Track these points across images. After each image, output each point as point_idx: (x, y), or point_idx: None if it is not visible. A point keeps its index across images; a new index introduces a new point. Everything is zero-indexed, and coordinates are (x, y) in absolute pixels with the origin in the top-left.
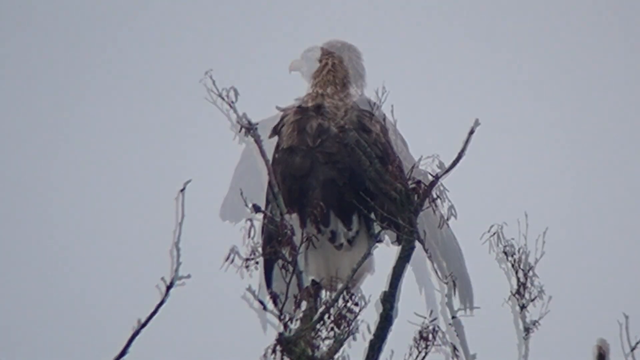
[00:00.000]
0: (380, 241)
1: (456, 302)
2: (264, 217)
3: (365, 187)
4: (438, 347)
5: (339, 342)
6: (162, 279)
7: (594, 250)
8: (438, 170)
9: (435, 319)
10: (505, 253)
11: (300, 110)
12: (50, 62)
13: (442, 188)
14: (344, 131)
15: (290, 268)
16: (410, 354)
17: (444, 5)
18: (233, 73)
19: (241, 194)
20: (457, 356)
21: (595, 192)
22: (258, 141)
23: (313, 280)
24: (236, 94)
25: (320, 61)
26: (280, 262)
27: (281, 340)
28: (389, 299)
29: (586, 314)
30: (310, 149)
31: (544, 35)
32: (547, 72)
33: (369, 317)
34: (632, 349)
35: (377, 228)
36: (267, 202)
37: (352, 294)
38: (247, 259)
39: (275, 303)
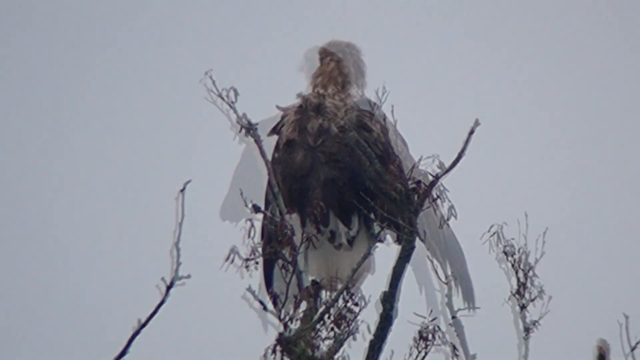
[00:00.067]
0: (380, 241)
1: (456, 302)
2: (264, 217)
3: (366, 187)
4: (438, 347)
5: (339, 342)
6: (162, 279)
7: (594, 250)
8: (438, 170)
9: (435, 319)
10: (505, 253)
11: (301, 110)
12: (49, 62)
13: (442, 188)
14: (344, 131)
15: (290, 268)
16: (410, 354)
17: (444, 5)
18: (233, 73)
19: (241, 194)
20: (457, 356)
21: (595, 192)
22: (258, 141)
23: (313, 280)
24: (236, 94)
25: (321, 61)
26: (280, 262)
27: (281, 340)
28: (389, 299)
29: (586, 314)
30: (311, 148)
31: (544, 35)
32: (547, 72)
33: (369, 317)
34: (632, 349)
35: (377, 228)
36: (267, 202)
37: (352, 294)
38: (247, 259)
39: (275, 303)
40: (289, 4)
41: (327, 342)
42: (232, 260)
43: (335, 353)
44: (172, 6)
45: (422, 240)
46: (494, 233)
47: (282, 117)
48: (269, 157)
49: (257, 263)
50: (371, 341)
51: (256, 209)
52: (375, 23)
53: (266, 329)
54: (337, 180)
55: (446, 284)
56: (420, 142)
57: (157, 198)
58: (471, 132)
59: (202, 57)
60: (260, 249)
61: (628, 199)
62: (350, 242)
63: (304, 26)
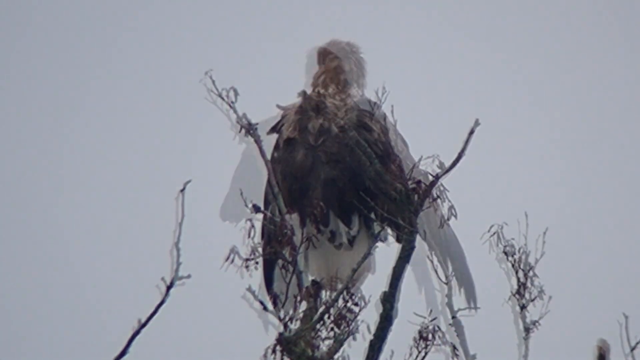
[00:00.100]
0: (381, 240)
1: (457, 302)
2: (264, 217)
3: (366, 187)
4: (438, 347)
5: (339, 342)
6: (162, 279)
7: (594, 250)
8: (438, 170)
9: (435, 319)
10: (506, 253)
11: (302, 109)
12: (49, 62)
13: (442, 188)
14: (344, 131)
15: (290, 268)
16: (410, 354)
17: (444, 5)
18: (233, 73)
19: (241, 194)
20: (457, 356)
21: (596, 192)
22: (258, 141)
23: (313, 280)
24: (236, 94)
25: (321, 61)
26: (280, 262)
27: (281, 340)
28: (389, 299)
29: (586, 314)
30: (312, 147)
31: (544, 35)
32: (548, 72)
33: (369, 317)
34: (632, 349)
35: (377, 228)
36: (267, 202)
37: (352, 294)
38: (247, 259)
39: (275, 303)
40: (289, 4)
41: (327, 342)
42: (232, 260)
43: (335, 353)
44: (172, 6)
45: (423, 239)
46: (494, 233)
47: (282, 116)
48: (269, 157)
49: (257, 263)
50: (371, 341)
51: (256, 209)
52: (376, 23)
53: (267, 329)
54: (338, 180)
55: (446, 284)
56: (420, 142)
57: (157, 198)
58: (471, 132)
59: (202, 57)
60: (260, 249)
61: (628, 199)
62: (351, 241)
63: (304, 26)
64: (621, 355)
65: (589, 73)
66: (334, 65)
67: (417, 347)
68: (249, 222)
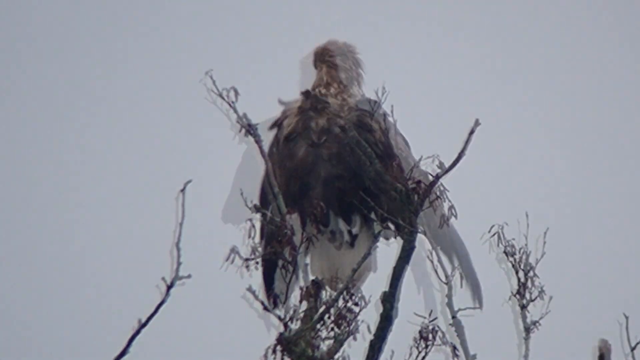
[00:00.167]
0: (386, 238)
1: (457, 302)
2: (264, 218)
3: (366, 187)
4: (438, 347)
5: (339, 342)
6: (163, 279)
7: (595, 251)
8: (438, 170)
9: (435, 319)
10: (506, 253)
11: (304, 109)
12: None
13: (442, 188)
14: (344, 131)
15: (291, 268)
16: (411, 354)
17: (444, 5)
18: (233, 73)
19: (241, 194)
20: (457, 356)
21: (596, 192)
22: (258, 141)
23: (313, 280)
24: (236, 94)
25: (321, 61)
26: (280, 262)
27: (281, 340)
28: (389, 299)
29: (586, 314)
30: (314, 145)
31: (545, 35)
32: (548, 72)
33: (369, 317)
34: (632, 349)
35: (377, 228)
36: (265, 201)
37: (352, 294)
38: (247, 259)
39: (275, 303)
40: (289, 4)
41: (327, 342)
42: (233, 260)
43: (335, 353)
44: (172, 6)
45: (426, 237)
46: (495, 233)
47: (284, 112)
48: (267, 152)
49: (257, 263)
50: (371, 341)
51: (257, 209)
52: (376, 23)
53: (269, 329)
54: (338, 179)
55: (446, 284)
56: (420, 142)
57: (157, 198)
58: (471, 132)
59: (202, 57)
60: (260, 249)
61: (628, 199)
62: (352, 241)
63: (304, 26)
64: (621, 355)
65: (589, 73)
66: (335, 64)
67: (417, 347)
68: (249, 222)
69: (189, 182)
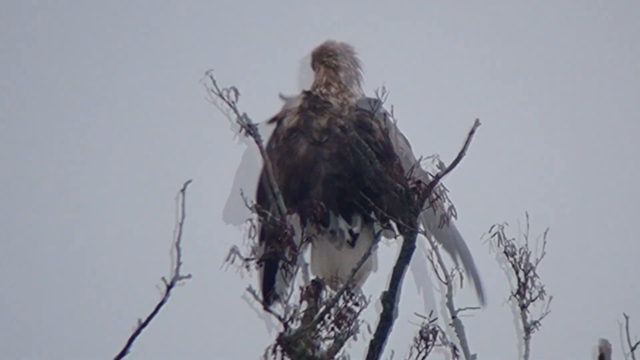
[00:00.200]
0: (388, 237)
1: (457, 302)
2: (264, 217)
3: (366, 186)
4: (438, 347)
5: (339, 342)
6: (163, 278)
7: (595, 251)
8: (438, 170)
9: (435, 319)
10: (506, 253)
11: (302, 109)
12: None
13: (442, 188)
14: (344, 131)
15: (291, 268)
16: (411, 354)
17: (444, 5)
18: (233, 73)
19: (241, 194)
20: (457, 356)
21: (596, 192)
22: (259, 142)
23: (313, 280)
24: (236, 94)
25: (319, 62)
26: (280, 262)
27: (281, 340)
28: (389, 299)
29: (586, 314)
30: (316, 143)
31: (545, 35)
32: (548, 72)
33: (369, 317)
34: (632, 349)
35: (377, 228)
36: (261, 198)
37: (353, 294)
38: (247, 259)
39: (271, 299)
40: (289, 4)
41: (327, 342)
42: (233, 260)
43: (335, 353)
44: (172, 6)
45: (426, 236)
46: (495, 233)
47: (284, 108)
48: (265, 148)
49: (258, 263)
50: (371, 341)
51: (258, 210)
52: (376, 23)
53: (270, 329)
54: (339, 178)
55: (446, 284)
56: (421, 142)
57: (157, 198)
58: (471, 132)
59: (202, 57)
60: (260, 249)
61: (628, 199)
62: (352, 241)
63: (304, 26)
64: (621, 355)
65: (589, 73)
66: (334, 64)
67: (417, 347)
68: (249, 222)
69: (189, 182)
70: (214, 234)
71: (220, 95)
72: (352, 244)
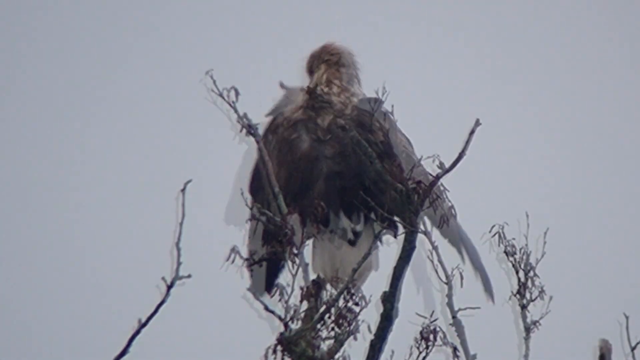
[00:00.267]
0: (389, 237)
1: (457, 302)
2: (264, 217)
3: (367, 186)
4: (439, 347)
5: (339, 342)
6: (163, 278)
7: (595, 251)
8: (438, 170)
9: (436, 320)
10: (506, 253)
11: (305, 106)
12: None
13: (442, 188)
14: (345, 130)
15: (293, 267)
16: (411, 354)
17: (444, 5)
18: (234, 73)
19: (242, 194)
20: (457, 357)
21: (596, 192)
22: (259, 142)
23: (313, 280)
24: (237, 93)
25: (318, 63)
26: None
27: (282, 340)
28: (389, 299)
29: (586, 314)
30: (319, 141)
31: (545, 35)
32: (548, 72)
33: (369, 317)
34: (633, 349)
35: (377, 228)
36: (255, 190)
37: (353, 294)
38: (247, 259)
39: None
40: (289, 4)
41: (327, 342)
42: (233, 260)
43: (335, 353)
44: (172, 6)
45: (426, 236)
46: (495, 233)
47: (286, 97)
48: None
49: (259, 265)
50: (372, 341)
51: (258, 209)
52: (376, 23)
53: (273, 329)
54: (340, 176)
55: (446, 283)
56: (421, 142)
57: (157, 198)
58: (472, 132)
59: (202, 57)
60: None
61: (628, 199)
62: (355, 239)
63: (305, 26)
64: (621, 355)
65: (589, 73)
66: (336, 61)
67: (417, 348)
68: (249, 223)
69: (189, 182)
70: (214, 234)
71: (221, 95)
72: (353, 242)
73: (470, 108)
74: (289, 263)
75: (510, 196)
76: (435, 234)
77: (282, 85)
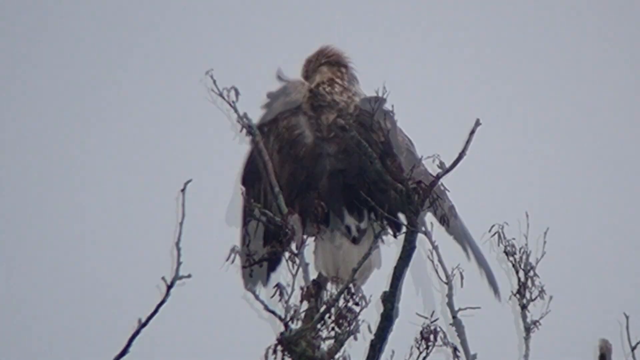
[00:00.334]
0: (395, 237)
1: (457, 302)
2: (265, 217)
3: (368, 187)
4: (439, 347)
5: (339, 342)
6: (163, 278)
7: (595, 250)
8: (439, 170)
9: (436, 320)
10: (506, 253)
11: (313, 99)
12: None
13: (442, 188)
14: (345, 130)
15: (293, 267)
16: (411, 354)
17: (445, 5)
18: (234, 73)
19: (242, 194)
20: (457, 357)
21: (596, 192)
22: (259, 142)
23: (314, 280)
24: (237, 93)
25: (321, 63)
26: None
27: (282, 340)
28: (389, 299)
29: (586, 313)
30: (323, 139)
31: (545, 35)
32: (548, 72)
33: (369, 317)
34: (633, 349)
35: (377, 227)
36: (248, 179)
37: (353, 294)
38: (247, 259)
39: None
40: (289, 4)
41: (327, 341)
42: (233, 261)
43: (336, 353)
44: (172, 6)
45: (426, 236)
46: (495, 233)
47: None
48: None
49: (258, 264)
50: (372, 341)
51: (259, 209)
52: (376, 23)
53: (274, 329)
54: (345, 173)
55: (446, 283)
56: (421, 142)
57: (157, 198)
58: (472, 132)
59: (202, 57)
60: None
61: (628, 199)
62: (360, 237)
63: (305, 26)
64: (621, 355)
65: (589, 73)
66: (338, 61)
67: (418, 348)
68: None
69: (189, 182)
70: (214, 234)
71: (221, 95)
72: (357, 240)
73: (470, 108)
74: (289, 263)
75: (510, 196)
76: (435, 234)
77: (279, 77)
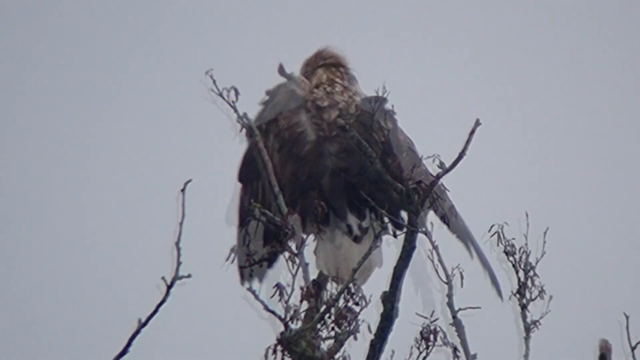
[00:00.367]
0: (395, 236)
1: (457, 302)
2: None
3: (369, 186)
4: (439, 347)
5: (339, 342)
6: (163, 278)
7: (595, 250)
8: (439, 170)
9: (436, 320)
10: (506, 253)
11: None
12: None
13: (443, 188)
14: (345, 130)
15: (293, 267)
16: (411, 354)
17: (445, 6)
18: (234, 73)
19: (238, 191)
20: (457, 356)
21: (596, 192)
22: (258, 142)
23: (314, 280)
24: (237, 93)
25: (319, 65)
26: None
27: (282, 340)
28: (389, 299)
29: (586, 313)
30: (325, 138)
31: (545, 35)
32: (548, 72)
33: (369, 317)
34: (633, 349)
35: (377, 227)
36: (246, 177)
37: (353, 294)
38: (247, 259)
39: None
40: (289, 4)
41: (327, 341)
42: (233, 260)
43: (335, 353)
44: (172, 6)
45: (426, 236)
46: (495, 233)
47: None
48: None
49: (258, 263)
50: (372, 341)
51: (259, 209)
52: (376, 23)
53: (274, 329)
54: (346, 172)
55: (446, 283)
56: (421, 142)
57: (158, 198)
58: (472, 132)
59: (202, 57)
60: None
61: (628, 199)
62: (362, 235)
63: (305, 26)
64: (621, 355)
65: (589, 73)
66: (337, 62)
67: (418, 347)
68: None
69: (189, 182)
70: (214, 234)
71: (221, 95)
72: (359, 239)
73: (470, 108)
74: (289, 263)
75: (510, 196)
76: (435, 233)
77: (281, 72)
